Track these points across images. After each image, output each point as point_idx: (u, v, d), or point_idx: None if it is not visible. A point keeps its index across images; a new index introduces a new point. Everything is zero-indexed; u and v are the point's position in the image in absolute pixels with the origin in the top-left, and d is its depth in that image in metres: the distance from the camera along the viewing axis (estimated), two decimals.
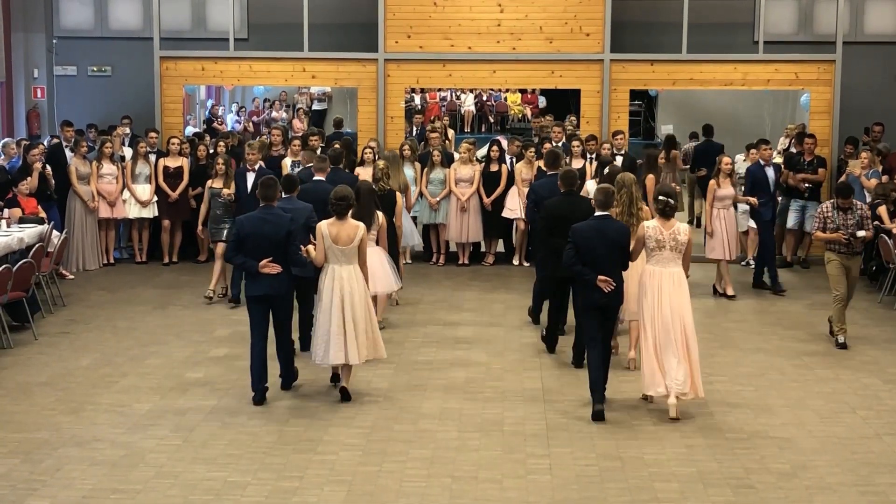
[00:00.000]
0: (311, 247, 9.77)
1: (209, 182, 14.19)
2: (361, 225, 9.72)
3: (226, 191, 13.71)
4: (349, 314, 9.55)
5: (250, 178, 13.39)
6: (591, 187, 12.25)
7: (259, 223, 9.70)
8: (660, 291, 9.42)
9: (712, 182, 14.31)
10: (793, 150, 17.04)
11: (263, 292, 9.68)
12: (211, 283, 13.72)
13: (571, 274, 9.64)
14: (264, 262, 9.54)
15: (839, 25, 17.35)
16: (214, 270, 13.73)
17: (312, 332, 10.02)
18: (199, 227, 14.30)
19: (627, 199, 10.65)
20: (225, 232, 13.46)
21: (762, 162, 14.50)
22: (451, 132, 18.63)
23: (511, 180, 16.19)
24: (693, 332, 9.43)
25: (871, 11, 18.66)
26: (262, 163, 14.09)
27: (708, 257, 14.29)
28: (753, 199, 14.25)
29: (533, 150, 16.15)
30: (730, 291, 14.13)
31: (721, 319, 13.05)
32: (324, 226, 9.64)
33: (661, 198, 9.56)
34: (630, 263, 9.66)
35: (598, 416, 9.22)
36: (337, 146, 13.94)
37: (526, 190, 15.75)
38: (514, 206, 16.01)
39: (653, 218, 9.80)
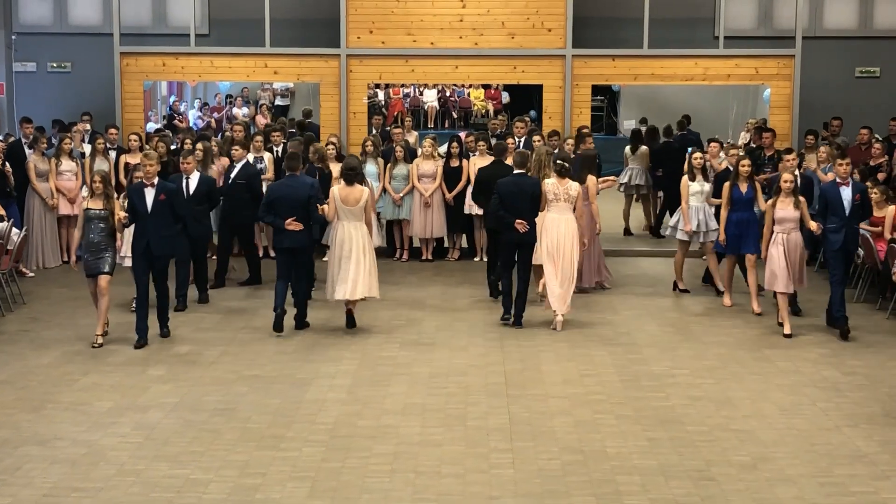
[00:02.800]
0: (325, 206, 11.87)
1: (83, 202, 11.81)
2: (366, 189, 12.04)
3: (121, 214, 11.35)
4: (354, 260, 11.74)
5: (149, 194, 11.34)
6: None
7: (286, 189, 11.97)
8: (557, 233, 12.20)
9: (726, 187, 13.20)
10: (752, 144, 17.17)
11: (289, 245, 11.87)
12: (98, 327, 11.44)
13: (496, 218, 12.26)
14: (289, 220, 11.67)
15: (798, 21, 17.51)
16: (100, 310, 11.41)
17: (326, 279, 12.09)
18: (73, 259, 11.79)
19: (537, 164, 12.85)
20: (107, 263, 11.32)
21: (838, 180, 12.15)
22: (413, 134, 18.58)
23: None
24: (574, 264, 12.23)
25: (831, 7, 18.88)
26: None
27: (767, 288, 12.35)
28: (815, 225, 11.91)
29: (484, 143, 16.17)
30: (787, 329, 11.96)
31: (683, 313, 13.13)
32: (335, 190, 11.96)
33: (558, 161, 12.43)
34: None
35: (505, 321, 12.31)
36: (293, 151, 13.06)
37: None
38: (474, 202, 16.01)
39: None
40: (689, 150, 14.83)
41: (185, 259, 12.98)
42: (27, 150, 15.68)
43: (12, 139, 16.49)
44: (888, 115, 17.72)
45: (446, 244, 16.75)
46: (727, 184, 13.16)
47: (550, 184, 12.25)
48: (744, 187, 13.07)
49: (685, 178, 14.05)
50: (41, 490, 7.61)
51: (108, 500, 7.46)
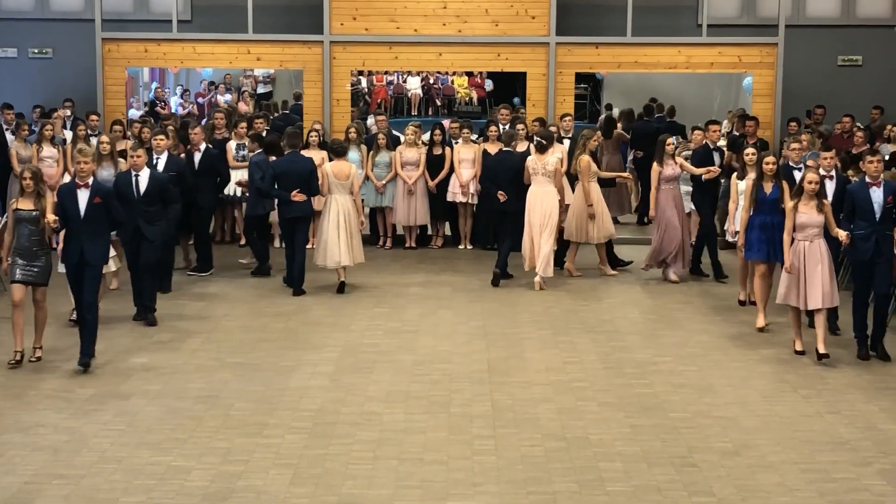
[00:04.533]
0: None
1: (12, 203, 10.58)
2: (354, 165, 13.67)
3: (51, 217, 10.03)
4: (343, 229, 13.03)
5: (82, 196, 10.12)
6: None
7: (290, 164, 13.22)
8: (538, 203, 13.37)
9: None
10: (735, 132, 17.18)
11: (294, 215, 13.15)
12: (16, 342, 10.20)
13: (483, 189, 14.64)
14: (295, 192, 12.91)
15: (781, 9, 17.54)
16: (36, 325, 10.35)
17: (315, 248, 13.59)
18: (4, 266, 10.46)
19: (582, 143, 14.23)
20: (38, 270, 10.18)
21: (868, 180, 10.60)
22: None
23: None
24: (552, 230, 13.32)
25: None
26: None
27: (779, 301, 10.89)
28: (843, 234, 10.47)
29: (468, 130, 16.18)
30: (822, 348, 10.47)
31: (666, 301, 13.15)
32: (328, 166, 13.28)
33: (536, 138, 13.69)
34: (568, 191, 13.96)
35: (495, 280, 13.64)
36: (294, 130, 14.26)
37: (463, 171, 15.85)
38: (458, 190, 16.02)
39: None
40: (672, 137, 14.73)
41: (153, 266, 12.02)
42: (9, 137, 15.59)
43: None
44: (870, 104, 17.81)
45: (430, 232, 16.73)
46: (750, 182, 11.93)
47: (530, 159, 13.47)
48: (768, 187, 11.65)
49: (733, 176, 12.96)
50: (23, 477, 7.58)
51: (91, 487, 7.44)
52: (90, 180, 10.23)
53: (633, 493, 7.43)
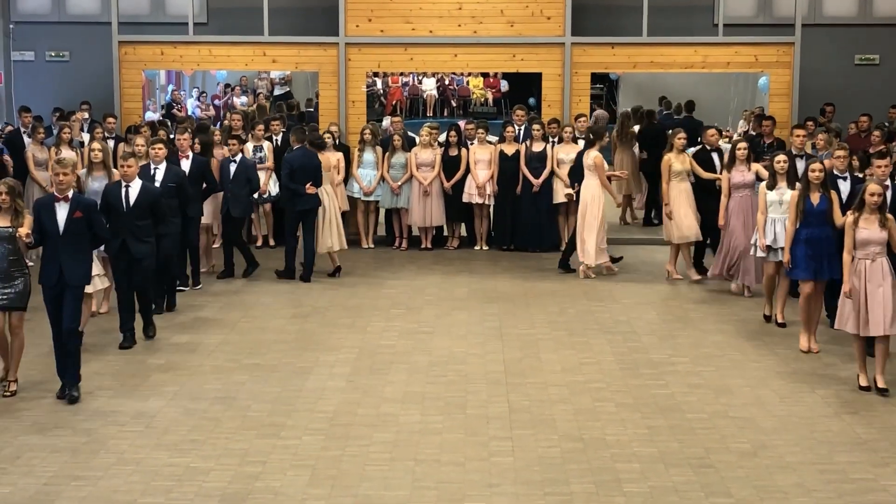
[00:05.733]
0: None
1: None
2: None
3: (22, 231, 9.20)
4: (333, 217, 14.20)
5: (61, 210, 9.31)
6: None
7: (304, 159, 13.80)
8: (589, 199, 14.08)
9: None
10: (752, 132, 17.14)
11: (307, 207, 13.83)
12: (10, 372, 9.56)
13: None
14: (308, 185, 13.59)
15: (798, 8, 17.46)
16: (12, 353, 9.53)
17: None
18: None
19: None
20: (14, 293, 9.27)
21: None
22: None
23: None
24: (590, 223, 13.95)
25: None
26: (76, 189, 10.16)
27: (837, 327, 10.05)
28: None
29: (484, 131, 16.20)
30: (881, 381, 9.63)
31: (682, 301, 13.13)
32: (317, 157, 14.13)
33: (587, 133, 14.45)
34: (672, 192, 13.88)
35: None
36: (315, 130, 14.90)
37: (479, 172, 15.87)
38: (474, 191, 16.03)
39: None
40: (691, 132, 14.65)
41: (144, 288, 11.27)
42: (26, 139, 15.66)
43: (10, 128, 16.46)
44: (888, 103, 17.72)
45: (445, 233, 16.74)
46: (795, 193, 10.94)
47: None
48: (815, 198, 10.73)
49: (762, 185, 12.02)
50: (41, 479, 7.61)
51: (108, 488, 7.47)
52: (70, 193, 9.38)
53: (650, 494, 7.42)
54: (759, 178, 12.71)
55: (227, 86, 26.97)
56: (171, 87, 25.58)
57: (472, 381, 9.91)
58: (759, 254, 11.93)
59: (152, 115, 21.12)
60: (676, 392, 9.60)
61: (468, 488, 7.52)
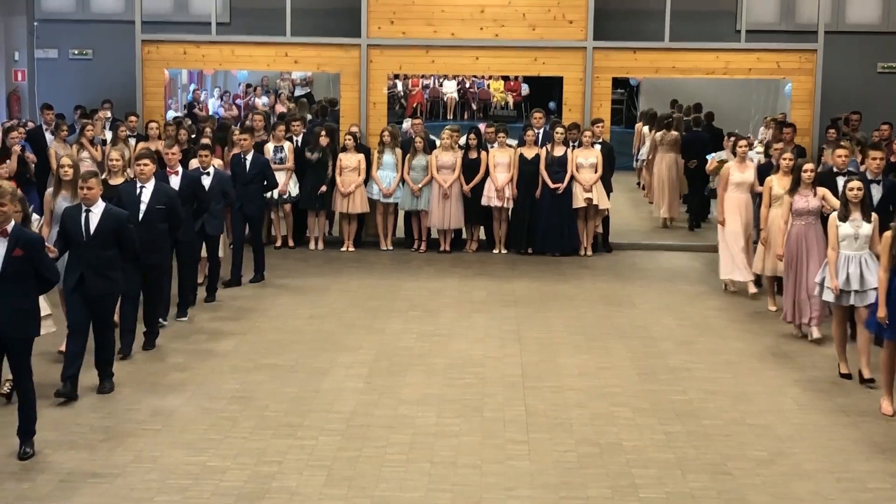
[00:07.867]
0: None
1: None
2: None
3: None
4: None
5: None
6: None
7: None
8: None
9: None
10: (772, 140, 17.08)
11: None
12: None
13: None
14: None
15: (821, 15, 17.40)
16: None
17: None
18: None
19: None
20: None
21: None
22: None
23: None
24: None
25: (853, 1, 18.76)
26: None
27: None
28: None
29: (504, 134, 16.21)
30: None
31: (701, 308, 13.09)
32: None
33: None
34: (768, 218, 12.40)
35: None
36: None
37: (499, 175, 15.88)
38: (493, 194, 16.03)
39: None
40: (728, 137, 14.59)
41: (106, 330, 9.59)
42: (48, 137, 15.74)
43: (33, 125, 16.54)
44: None
45: (464, 236, 16.74)
46: (888, 234, 9.16)
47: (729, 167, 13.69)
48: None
49: (832, 217, 10.28)
50: (59, 475, 7.65)
51: (126, 486, 7.50)
52: (10, 226, 7.93)
53: (667, 499, 7.41)
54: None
55: (248, 86, 27.05)
56: (192, 87, 25.67)
57: (489, 384, 9.91)
58: (828, 296, 10.28)
59: (173, 115, 21.17)
60: (694, 398, 9.57)
61: (484, 491, 7.52)
